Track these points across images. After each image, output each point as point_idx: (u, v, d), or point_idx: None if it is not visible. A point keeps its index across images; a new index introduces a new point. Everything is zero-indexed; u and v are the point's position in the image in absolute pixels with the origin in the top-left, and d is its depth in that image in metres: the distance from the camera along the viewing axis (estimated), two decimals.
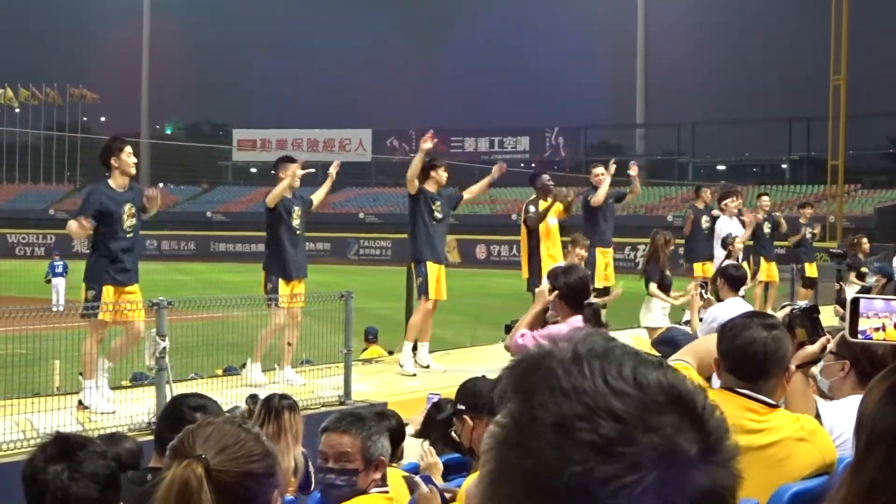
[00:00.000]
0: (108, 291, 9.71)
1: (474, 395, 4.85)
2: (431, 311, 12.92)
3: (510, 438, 1.17)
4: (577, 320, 6.91)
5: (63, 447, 3.41)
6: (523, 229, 13.99)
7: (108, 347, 9.98)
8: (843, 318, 11.83)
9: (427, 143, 12.50)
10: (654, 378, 1.16)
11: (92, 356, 9.60)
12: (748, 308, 9.84)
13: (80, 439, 3.55)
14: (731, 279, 10.24)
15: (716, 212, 17.16)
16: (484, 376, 5.25)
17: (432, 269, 12.64)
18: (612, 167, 15.03)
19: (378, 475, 4.18)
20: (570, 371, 1.16)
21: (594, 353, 1.18)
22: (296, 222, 11.83)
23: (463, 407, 4.86)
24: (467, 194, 14.11)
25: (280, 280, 11.56)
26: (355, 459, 4.14)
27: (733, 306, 9.15)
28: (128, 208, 9.86)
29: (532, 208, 13.82)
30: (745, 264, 16.30)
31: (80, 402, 9.55)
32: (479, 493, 1.22)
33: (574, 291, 6.97)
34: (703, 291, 13.08)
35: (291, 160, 12.06)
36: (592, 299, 8.16)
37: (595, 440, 1.10)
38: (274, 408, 5.84)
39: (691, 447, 1.12)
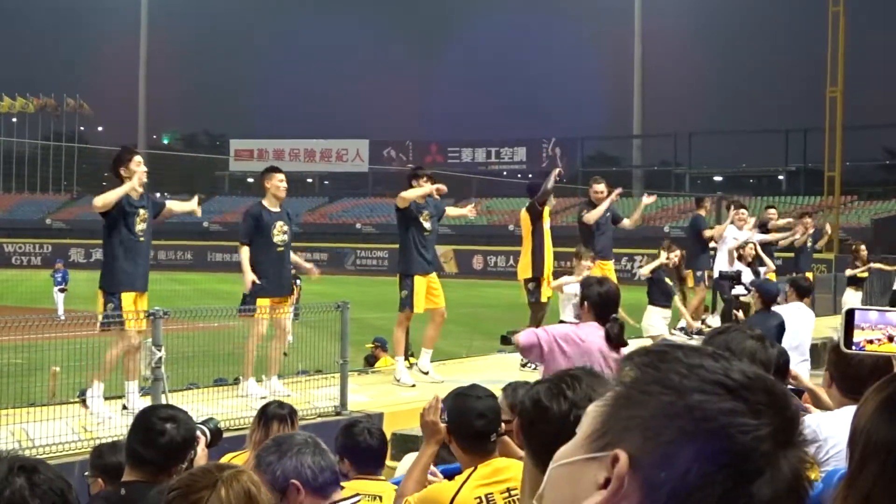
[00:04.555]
0: (126, 299, 9.85)
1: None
2: (439, 322, 12.95)
3: (639, 380, 1.28)
4: (593, 325, 7.02)
5: (16, 465, 3.37)
6: (526, 225, 13.88)
7: (127, 368, 10.03)
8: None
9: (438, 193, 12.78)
10: (762, 373, 1.29)
11: (112, 363, 9.71)
12: (809, 314, 11.60)
13: (32, 459, 3.51)
14: (800, 289, 11.93)
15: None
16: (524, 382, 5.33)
17: (419, 282, 12.57)
18: (616, 195, 15.23)
19: (301, 496, 3.97)
20: (699, 350, 1.31)
21: (714, 349, 1.32)
22: (277, 238, 11.53)
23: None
24: (450, 210, 14.02)
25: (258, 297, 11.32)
26: (272, 492, 4.03)
27: (797, 309, 11.31)
28: (141, 213, 10.10)
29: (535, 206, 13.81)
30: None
31: (83, 401, 9.61)
32: (587, 430, 1.28)
33: (603, 301, 7.13)
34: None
35: (277, 170, 11.92)
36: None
37: (725, 381, 1.24)
38: (265, 416, 5.80)
39: (783, 426, 1.25)
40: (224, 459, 5.69)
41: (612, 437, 1.25)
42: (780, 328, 10.00)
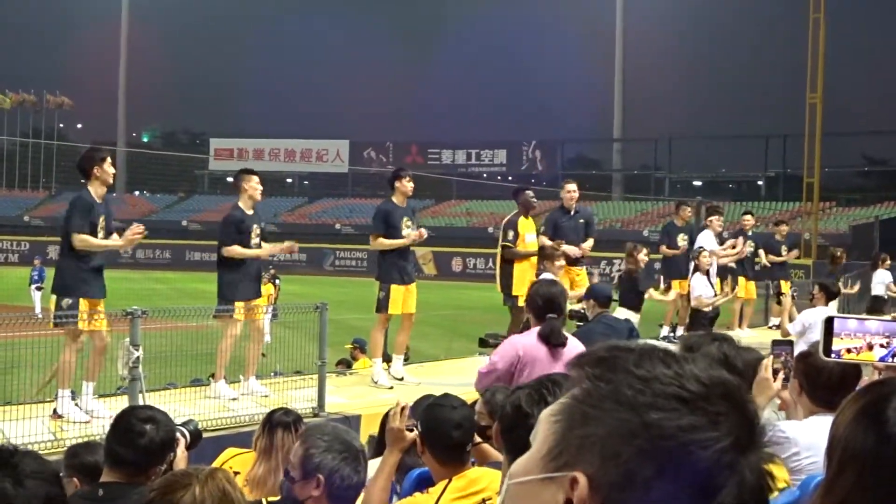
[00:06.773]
0: (83, 304, 9.60)
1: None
2: (408, 327, 12.82)
3: (592, 394, 1.25)
4: (535, 330, 7.01)
5: None
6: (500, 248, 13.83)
7: (85, 368, 9.87)
8: None
9: None
10: (718, 373, 1.27)
11: (70, 365, 9.50)
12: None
13: (10, 447, 3.43)
14: (829, 292, 13.11)
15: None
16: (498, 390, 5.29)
17: (396, 290, 12.47)
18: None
19: (317, 492, 3.95)
20: (649, 354, 1.27)
21: (663, 349, 1.31)
22: (254, 241, 11.42)
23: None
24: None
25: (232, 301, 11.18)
26: (294, 467, 4.01)
27: (824, 313, 11.21)
28: (101, 220, 9.78)
29: (511, 233, 13.55)
30: (717, 281, 16.42)
31: (54, 411, 9.47)
32: (542, 447, 1.26)
33: (544, 302, 7.00)
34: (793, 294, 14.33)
35: (252, 172, 11.84)
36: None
37: (681, 393, 1.22)
38: (269, 422, 5.75)
39: (744, 430, 1.23)
40: (224, 455, 5.68)
41: (568, 456, 1.24)
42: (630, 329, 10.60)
